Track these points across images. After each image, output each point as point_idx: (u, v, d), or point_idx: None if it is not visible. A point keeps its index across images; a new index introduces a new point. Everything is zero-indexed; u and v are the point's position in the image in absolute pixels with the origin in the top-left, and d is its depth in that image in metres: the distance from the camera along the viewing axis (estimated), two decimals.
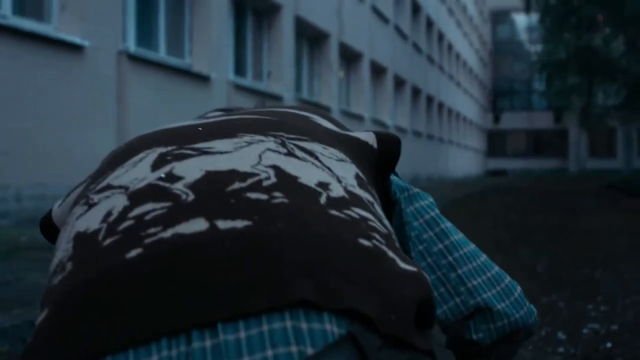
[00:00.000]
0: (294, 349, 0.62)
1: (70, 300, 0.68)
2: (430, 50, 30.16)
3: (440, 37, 33.07)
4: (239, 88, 11.78)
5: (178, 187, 0.78)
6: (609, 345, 3.50)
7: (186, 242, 0.70)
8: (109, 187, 0.83)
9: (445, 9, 33.99)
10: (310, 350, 0.62)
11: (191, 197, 0.76)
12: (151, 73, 9.40)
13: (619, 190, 21.00)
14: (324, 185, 0.82)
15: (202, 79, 10.66)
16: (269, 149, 0.87)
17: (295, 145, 0.90)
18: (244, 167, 0.81)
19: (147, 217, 0.74)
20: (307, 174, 0.83)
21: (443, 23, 33.25)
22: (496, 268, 1.15)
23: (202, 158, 0.84)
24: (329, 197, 0.80)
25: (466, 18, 42.04)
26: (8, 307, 3.48)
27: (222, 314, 0.63)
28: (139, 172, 0.83)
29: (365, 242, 0.74)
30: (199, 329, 0.63)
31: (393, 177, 1.14)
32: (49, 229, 0.99)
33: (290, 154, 0.87)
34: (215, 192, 0.77)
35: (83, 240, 0.76)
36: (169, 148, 0.87)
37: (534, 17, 37.85)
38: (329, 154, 0.91)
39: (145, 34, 10.07)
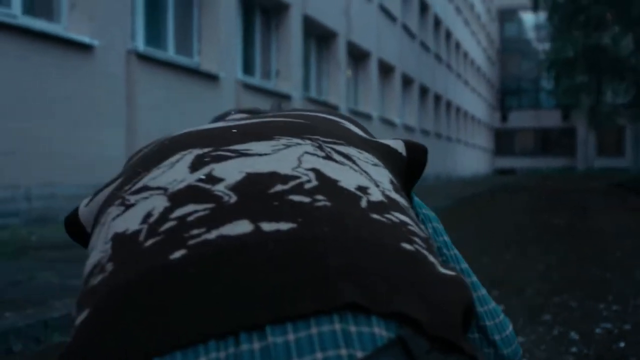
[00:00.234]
0: (343, 352, 0.61)
1: (112, 301, 0.68)
2: (438, 49, 30.13)
3: (448, 35, 33.04)
4: (248, 87, 11.78)
5: (219, 188, 0.78)
6: (622, 345, 3.49)
7: (231, 244, 0.69)
8: (146, 188, 0.83)
9: (453, 8, 33.94)
10: (360, 354, 0.62)
11: (233, 198, 0.76)
12: (160, 72, 9.41)
13: (627, 189, 20.95)
14: (363, 189, 0.81)
15: (211, 78, 10.67)
16: (307, 152, 0.86)
17: (332, 148, 0.90)
18: (284, 169, 0.81)
19: (190, 219, 0.74)
20: (346, 178, 0.83)
21: (451, 21, 33.21)
22: (493, 303, 1.16)
23: (240, 160, 0.84)
24: (369, 201, 0.79)
25: (474, 16, 41.98)
26: (20, 307, 3.49)
27: (269, 317, 0.63)
28: (176, 173, 0.83)
29: (408, 246, 0.74)
30: (246, 331, 0.63)
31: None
32: (75, 227, 0.99)
33: (328, 157, 0.87)
34: (258, 194, 0.77)
35: (122, 241, 0.76)
36: (205, 150, 0.87)
37: (542, 15, 37.77)
38: (364, 158, 0.91)
39: (154, 34, 10.08)
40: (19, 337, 3.14)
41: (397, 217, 0.79)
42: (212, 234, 0.71)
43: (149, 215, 0.77)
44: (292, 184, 0.78)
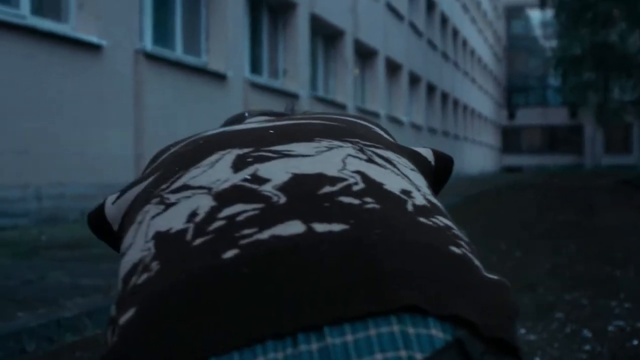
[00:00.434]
0: (403, 353, 0.61)
1: (162, 300, 0.67)
2: (445, 47, 30.09)
3: (455, 33, 33.00)
4: (255, 86, 11.79)
5: (267, 189, 0.78)
6: (635, 342, 3.48)
7: (283, 244, 0.69)
8: (187, 187, 0.83)
9: (460, 5, 33.89)
10: (419, 356, 0.62)
11: (283, 199, 0.76)
12: (168, 72, 9.42)
13: (634, 187, 20.91)
14: (407, 193, 0.82)
15: (219, 77, 10.67)
16: (350, 155, 0.86)
17: (373, 152, 0.90)
18: (331, 171, 0.81)
19: (239, 218, 0.74)
20: (390, 181, 0.83)
21: (457, 19, 33.16)
22: None
23: (284, 160, 0.84)
24: (414, 205, 0.80)
25: (480, 14, 41.91)
26: (33, 306, 3.50)
27: (327, 317, 0.63)
28: (219, 172, 0.83)
29: (456, 250, 0.74)
30: (304, 332, 0.62)
31: None
32: (100, 224, 0.99)
33: (370, 160, 0.87)
34: (307, 195, 0.77)
35: (167, 239, 0.75)
36: (246, 150, 0.87)
37: (549, 12, 37.67)
38: (403, 162, 0.92)
39: (162, 33, 10.09)
40: (32, 337, 3.14)
41: (441, 221, 0.80)
42: (265, 234, 0.71)
43: (193, 214, 0.77)
44: (340, 185, 0.79)
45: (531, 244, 7.46)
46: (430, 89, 27.29)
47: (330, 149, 0.87)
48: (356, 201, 0.76)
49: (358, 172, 0.82)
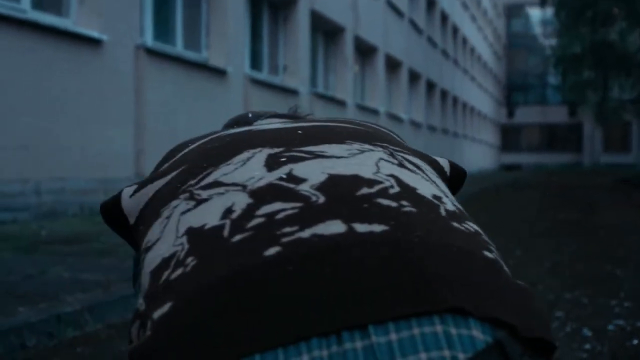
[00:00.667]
0: (446, 353, 0.62)
1: (203, 296, 0.68)
2: (444, 45, 30.07)
3: (455, 31, 32.98)
4: (255, 82, 11.78)
5: (304, 188, 0.79)
6: (635, 341, 3.48)
7: (325, 243, 0.70)
8: (219, 183, 0.83)
9: (460, 3, 33.87)
10: (461, 356, 0.63)
11: (322, 199, 0.77)
12: (168, 67, 9.41)
13: (632, 185, 20.93)
14: (438, 198, 0.84)
15: (219, 72, 10.66)
16: (382, 159, 0.88)
17: (402, 157, 0.92)
18: (366, 173, 0.83)
19: (279, 216, 0.74)
20: (422, 186, 0.85)
21: (457, 17, 33.14)
22: None
23: (318, 161, 0.85)
24: (446, 210, 0.82)
25: (480, 12, 41.89)
26: (33, 301, 3.49)
27: (371, 316, 0.64)
28: (252, 170, 0.84)
29: (489, 255, 0.76)
30: (349, 330, 0.63)
31: None
32: (114, 215, 0.98)
33: (401, 165, 0.89)
34: (346, 195, 0.77)
35: (201, 235, 0.75)
36: (277, 149, 0.88)
37: (549, 11, 37.67)
38: (428, 169, 0.95)
39: (163, 28, 10.08)
40: (32, 332, 3.14)
41: (471, 227, 0.82)
42: (306, 233, 0.71)
43: (229, 210, 0.77)
44: (377, 187, 0.80)
45: (531, 242, 7.47)
46: (430, 86, 27.29)
47: (362, 151, 0.89)
48: (394, 204, 0.77)
49: (392, 175, 0.84)
